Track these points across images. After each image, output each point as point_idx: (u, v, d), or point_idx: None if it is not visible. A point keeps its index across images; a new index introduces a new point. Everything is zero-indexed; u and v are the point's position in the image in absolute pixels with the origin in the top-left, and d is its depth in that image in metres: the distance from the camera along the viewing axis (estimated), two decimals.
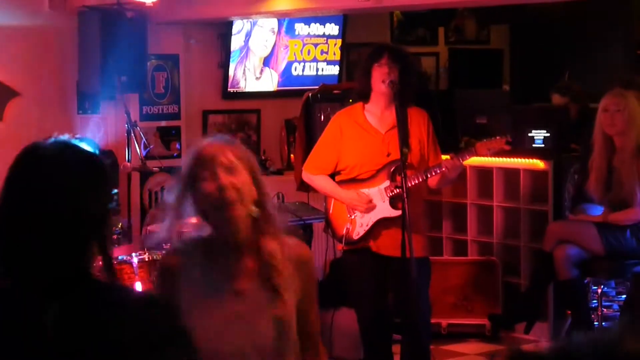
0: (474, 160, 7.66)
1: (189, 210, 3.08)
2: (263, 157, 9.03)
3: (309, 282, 3.19)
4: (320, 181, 5.97)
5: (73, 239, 2.24)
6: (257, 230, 3.08)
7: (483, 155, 5.92)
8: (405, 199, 5.49)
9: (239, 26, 8.86)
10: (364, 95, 5.88)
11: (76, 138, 2.33)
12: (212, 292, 3.04)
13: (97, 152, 2.36)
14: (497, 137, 5.81)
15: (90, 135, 8.10)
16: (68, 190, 2.26)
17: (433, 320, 6.28)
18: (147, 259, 5.38)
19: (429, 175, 5.76)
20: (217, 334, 3.01)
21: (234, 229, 3.04)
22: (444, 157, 5.94)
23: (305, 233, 7.44)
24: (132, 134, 7.38)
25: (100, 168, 2.35)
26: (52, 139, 2.31)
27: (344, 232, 5.89)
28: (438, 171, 5.74)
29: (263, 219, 3.09)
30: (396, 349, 6.02)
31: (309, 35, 9.33)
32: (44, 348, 2.19)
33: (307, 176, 6.05)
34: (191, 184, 3.05)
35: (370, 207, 5.80)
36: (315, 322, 3.24)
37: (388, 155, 5.79)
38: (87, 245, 2.26)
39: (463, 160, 5.74)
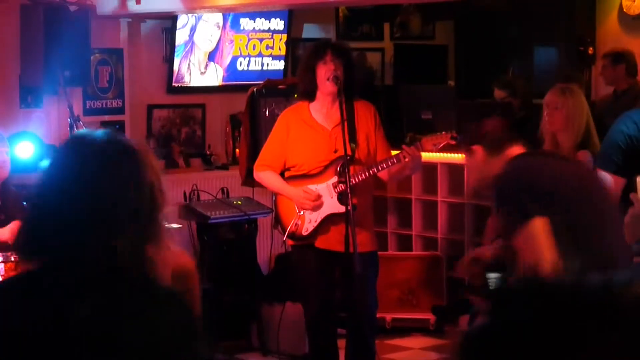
0: None
1: None
2: (208, 152, 8.99)
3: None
4: (269, 178, 5.96)
5: (106, 230, 2.24)
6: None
7: (429, 151, 5.94)
8: (349, 195, 5.51)
9: (184, 21, 8.82)
10: (309, 94, 5.87)
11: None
12: None
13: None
14: (443, 133, 5.83)
15: (33, 130, 8.02)
16: (102, 180, 2.27)
17: (378, 315, 6.30)
18: None
19: (376, 171, 5.77)
20: None
21: None
22: (393, 152, 5.94)
23: (250, 228, 7.44)
24: (75, 129, 7.30)
25: (137, 160, 2.32)
26: (88, 130, 2.34)
27: (294, 227, 5.89)
28: (385, 166, 5.75)
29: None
30: (341, 343, 6.03)
31: (254, 30, 9.30)
32: (69, 341, 2.19)
33: (257, 175, 6.04)
34: None
35: (317, 204, 5.80)
36: None
37: (335, 151, 5.80)
38: (120, 238, 2.24)
39: (420, 151, 5.74)
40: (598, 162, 4.79)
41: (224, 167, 8.97)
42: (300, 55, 8.68)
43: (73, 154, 2.33)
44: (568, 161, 4.16)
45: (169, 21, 8.80)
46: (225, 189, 7.70)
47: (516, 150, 4.36)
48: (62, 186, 2.28)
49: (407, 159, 5.68)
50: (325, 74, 5.71)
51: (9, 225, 5.64)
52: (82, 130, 2.44)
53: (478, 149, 4.38)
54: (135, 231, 2.26)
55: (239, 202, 7.43)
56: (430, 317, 7.67)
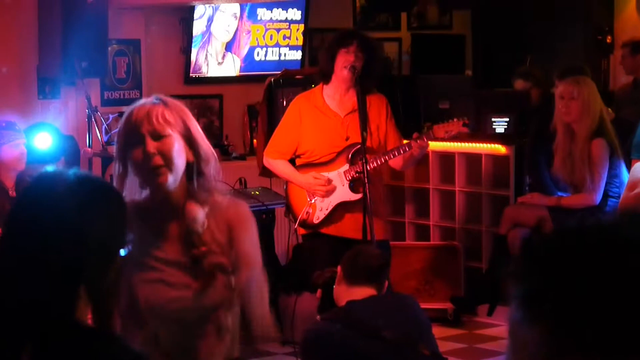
0: (436, 145, 7.69)
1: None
2: (225, 143, 9.00)
3: (246, 238, 3.13)
4: (280, 166, 5.99)
5: (59, 281, 2.11)
6: (186, 195, 3.08)
7: (441, 137, 5.92)
8: (367, 183, 5.53)
9: (201, 11, 8.82)
10: (325, 76, 5.91)
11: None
12: (139, 256, 3.04)
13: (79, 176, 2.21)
14: (455, 119, 5.84)
15: (51, 121, 8.04)
16: (56, 228, 2.14)
17: None
18: None
19: (388, 158, 5.79)
20: (141, 294, 3.06)
21: (161, 195, 3.06)
22: (404, 142, 5.96)
23: (268, 218, 7.45)
24: (93, 119, 7.32)
25: (102, 209, 2.21)
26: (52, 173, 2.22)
27: (305, 216, 5.91)
28: (397, 154, 5.77)
29: (196, 182, 3.08)
30: None
31: (271, 20, 9.30)
32: None
33: (267, 161, 6.08)
34: (124, 150, 3.07)
35: (329, 188, 5.82)
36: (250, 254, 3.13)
37: (347, 139, 5.83)
38: (73, 290, 2.12)
39: (428, 140, 5.77)
40: (635, 153, 4.72)
41: (242, 157, 8.98)
42: (320, 44, 8.70)
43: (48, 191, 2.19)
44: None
45: (186, 12, 8.81)
46: (242, 179, 7.70)
47: (362, 292, 4.30)
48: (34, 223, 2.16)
49: (414, 151, 5.72)
50: (343, 62, 5.75)
51: None
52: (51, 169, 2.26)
53: (339, 270, 4.40)
54: (95, 280, 2.17)
55: (257, 193, 7.44)
56: (448, 306, 7.65)
